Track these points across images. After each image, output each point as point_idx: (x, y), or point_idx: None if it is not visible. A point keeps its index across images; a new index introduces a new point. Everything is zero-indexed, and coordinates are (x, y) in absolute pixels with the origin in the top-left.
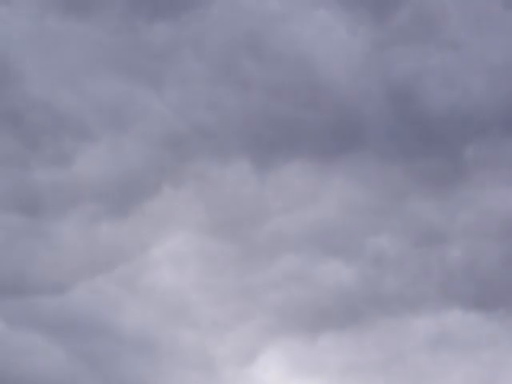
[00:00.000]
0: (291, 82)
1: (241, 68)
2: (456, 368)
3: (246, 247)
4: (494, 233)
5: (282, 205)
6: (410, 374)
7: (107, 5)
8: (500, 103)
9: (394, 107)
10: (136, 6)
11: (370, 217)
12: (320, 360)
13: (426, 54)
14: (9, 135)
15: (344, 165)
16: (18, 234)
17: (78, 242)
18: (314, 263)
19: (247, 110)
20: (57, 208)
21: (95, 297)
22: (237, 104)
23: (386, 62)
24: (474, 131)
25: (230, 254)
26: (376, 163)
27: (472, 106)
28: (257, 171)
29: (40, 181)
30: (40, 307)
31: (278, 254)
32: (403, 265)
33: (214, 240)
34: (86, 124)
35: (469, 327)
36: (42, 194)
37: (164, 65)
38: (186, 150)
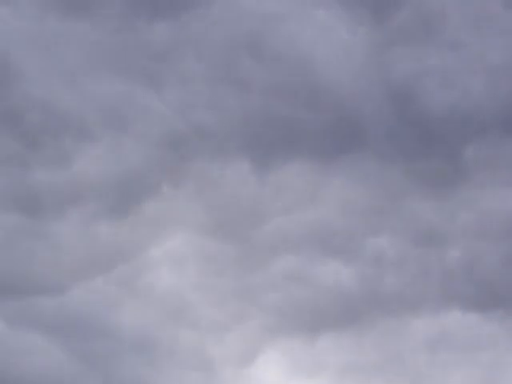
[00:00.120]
0: (291, 82)
1: (241, 68)
2: (455, 368)
3: (245, 247)
4: (493, 233)
5: (282, 205)
6: (409, 375)
7: (107, 5)
8: (500, 103)
9: (393, 107)
10: (136, 6)
11: (370, 217)
12: (319, 360)
13: (426, 55)
14: (9, 135)
15: (344, 165)
16: (18, 233)
17: (78, 242)
18: (313, 263)
19: (247, 110)
20: (56, 208)
21: (95, 297)
22: (237, 104)
23: (385, 62)
24: (474, 131)
25: (230, 254)
26: (376, 163)
27: (472, 106)
28: (256, 171)
29: (40, 181)
30: (39, 307)
31: (277, 254)
32: (403, 265)
33: (214, 240)
34: (85, 124)
35: (468, 328)
36: (42, 193)
37: (164, 65)
38: (186, 150)
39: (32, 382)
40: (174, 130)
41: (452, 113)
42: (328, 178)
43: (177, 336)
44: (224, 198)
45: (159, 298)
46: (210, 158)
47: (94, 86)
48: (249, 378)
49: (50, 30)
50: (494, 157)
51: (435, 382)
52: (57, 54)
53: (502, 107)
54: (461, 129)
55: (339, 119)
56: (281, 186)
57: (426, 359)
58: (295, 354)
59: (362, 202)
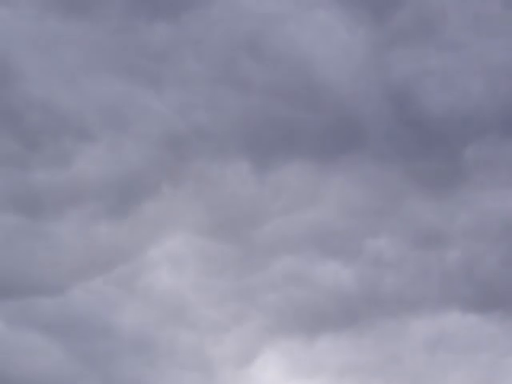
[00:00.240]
0: (291, 82)
1: (240, 68)
2: (454, 369)
3: (244, 248)
4: (493, 234)
5: (281, 205)
6: (408, 375)
7: (107, 5)
8: (499, 104)
9: (393, 108)
10: (136, 6)
11: (369, 218)
12: (318, 361)
13: (426, 55)
14: (9, 135)
15: (343, 165)
16: (18, 233)
17: (77, 243)
18: (312, 264)
19: (247, 110)
20: (56, 208)
21: (94, 297)
22: (236, 104)
23: (385, 62)
24: (474, 132)
25: (229, 254)
26: (375, 164)
27: (471, 107)
28: (256, 172)
29: (39, 181)
30: (39, 307)
31: (276, 254)
32: (402, 266)
33: (214, 240)
34: (85, 124)
35: (467, 329)
36: (42, 194)
37: (164, 65)
38: (186, 151)
39: (31, 381)
40: (173, 130)
41: (452, 113)
42: (327, 179)
43: (176, 336)
44: (223, 199)
45: (159, 298)
46: (210, 158)
47: (94, 86)
48: (248, 378)
49: (50, 30)
50: (493, 157)
51: (434, 382)
52: (57, 54)
53: (501, 108)
54: (460, 129)
55: (339, 119)
56: (280, 187)
57: (426, 360)
58: (294, 354)
59: (361, 202)
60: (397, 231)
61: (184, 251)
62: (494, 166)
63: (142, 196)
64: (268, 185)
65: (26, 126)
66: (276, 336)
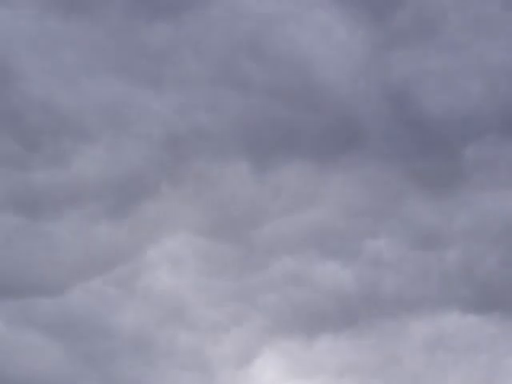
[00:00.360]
0: (290, 83)
1: (240, 68)
2: (454, 370)
3: (244, 248)
4: (492, 235)
5: (281, 206)
6: (407, 376)
7: (107, 5)
8: (499, 104)
9: (393, 108)
10: (136, 6)
11: (369, 218)
12: (318, 361)
13: (426, 56)
14: (8, 135)
15: (343, 166)
16: (17, 234)
17: (77, 243)
18: (312, 265)
19: (246, 110)
20: (55, 208)
21: (93, 297)
22: (236, 105)
23: (385, 63)
24: (473, 133)
25: (229, 254)
26: (375, 164)
27: (471, 107)
28: (256, 172)
29: (39, 181)
30: (38, 307)
31: (276, 255)
32: (401, 267)
33: (213, 241)
34: (85, 124)
35: (467, 329)
36: (41, 194)
37: (163, 65)
38: (185, 151)
39: (31, 381)
40: (173, 131)
41: (451, 114)
42: (327, 179)
43: (176, 336)
44: (223, 199)
45: (158, 298)
46: (209, 158)
47: (94, 86)
48: (247, 378)
49: (50, 30)
50: (493, 158)
51: (434, 383)
52: (57, 54)
53: (501, 108)
54: (460, 130)
55: (339, 120)
56: (280, 187)
57: (425, 360)
58: (294, 354)
59: (360, 203)
60: (396, 231)
61: (184, 251)
62: (494, 166)
63: (141, 196)
64: (268, 185)
65: (25, 126)
66: (275, 336)
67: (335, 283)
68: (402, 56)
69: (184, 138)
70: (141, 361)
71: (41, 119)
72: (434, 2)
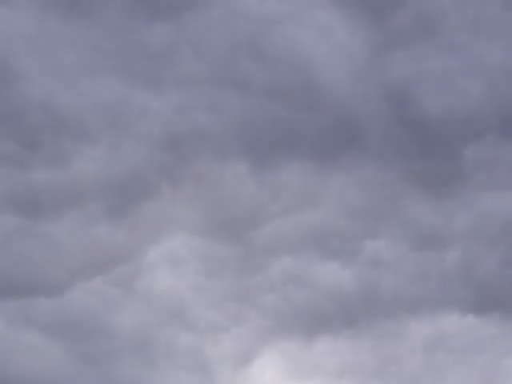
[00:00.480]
0: (290, 83)
1: (240, 69)
2: (453, 370)
3: (244, 249)
4: (492, 236)
5: (281, 206)
6: (407, 377)
7: (107, 6)
8: (499, 105)
9: (392, 109)
10: (136, 6)
11: (368, 219)
12: (316, 362)
13: (425, 56)
14: (8, 135)
15: (342, 166)
16: (17, 234)
17: (77, 243)
18: (311, 265)
19: (246, 111)
20: (55, 208)
21: (93, 298)
22: (236, 105)
23: (385, 63)
24: (473, 133)
25: (228, 255)
26: (374, 165)
27: (471, 108)
28: (255, 173)
29: (39, 181)
30: (38, 307)
31: (276, 255)
32: (401, 267)
33: (213, 241)
34: (85, 125)
35: (466, 330)
36: (41, 194)
37: (163, 66)
38: (185, 151)
39: (31, 381)
40: (173, 131)
41: (451, 114)
42: (327, 179)
43: (175, 337)
44: (223, 199)
45: (158, 298)
46: (209, 159)
47: (94, 86)
48: (246, 379)
49: (50, 30)
50: (493, 158)
51: (433, 383)
52: (56, 54)
53: (501, 108)
54: (460, 130)
55: (338, 120)
56: (280, 187)
57: (425, 361)
58: (293, 355)
59: (360, 203)
60: (396, 232)
61: (183, 252)
62: (494, 166)
63: (141, 197)
64: (267, 185)
65: (25, 126)
66: (275, 337)
67: (335, 284)
68: (402, 56)
69: (184, 138)
70: (141, 361)
71: (41, 119)
72: (434, 2)
